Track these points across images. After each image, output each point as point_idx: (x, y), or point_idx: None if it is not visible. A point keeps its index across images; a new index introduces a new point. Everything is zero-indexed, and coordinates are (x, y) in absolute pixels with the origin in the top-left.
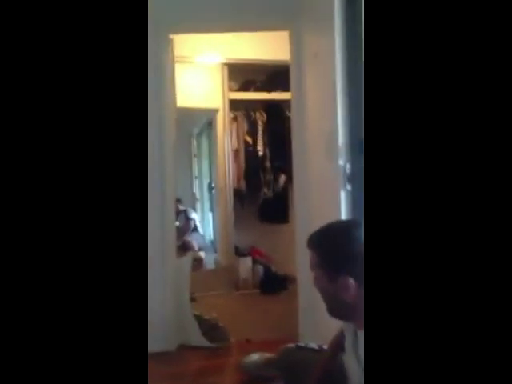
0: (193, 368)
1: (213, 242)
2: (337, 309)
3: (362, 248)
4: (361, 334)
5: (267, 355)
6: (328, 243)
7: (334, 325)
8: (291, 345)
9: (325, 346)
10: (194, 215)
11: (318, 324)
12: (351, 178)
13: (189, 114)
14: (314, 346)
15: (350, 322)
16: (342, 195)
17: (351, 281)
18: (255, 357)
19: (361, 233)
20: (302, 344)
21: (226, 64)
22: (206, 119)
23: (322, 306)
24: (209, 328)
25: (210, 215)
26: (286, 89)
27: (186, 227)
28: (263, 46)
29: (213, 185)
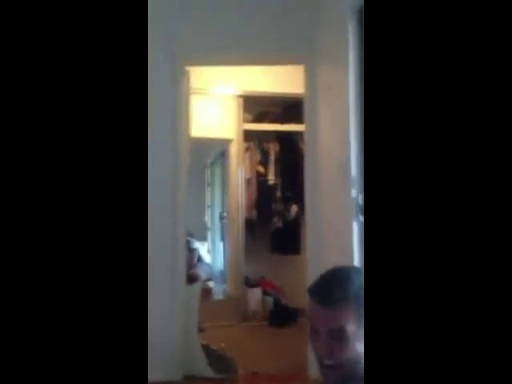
0: None
1: (222, 272)
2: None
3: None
4: None
5: None
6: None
7: None
8: None
9: None
10: (197, 245)
11: None
12: (364, 210)
13: (203, 144)
14: None
15: None
16: (355, 226)
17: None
18: None
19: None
20: None
21: (240, 96)
22: (220, 149)
23: None
24: (216, 359)
25: (220, 245)
26: (299, 121)
27: (190, 259)
28: (278, 79)
29: (224, 214)
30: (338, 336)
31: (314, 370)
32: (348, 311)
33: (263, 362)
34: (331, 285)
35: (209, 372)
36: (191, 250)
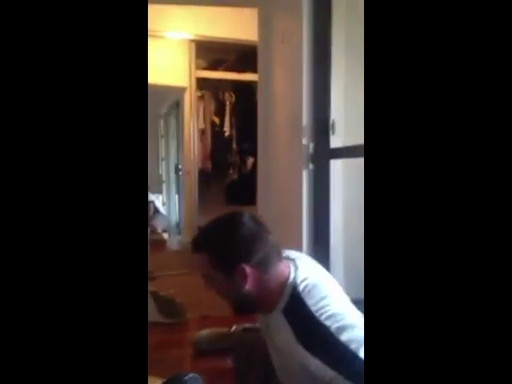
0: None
1: (178, 224)
2: (241, 304)
3: (248, 236)
4: (271, 319)
5: (219, 330)
6: (214, 242)
7: None
8: (248, 325)
9: None
10: (153, 197)
11: None
12: (314, 158)
13: (156, 93)
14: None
15: (259, 313)
16: (305, 175)
17: (248, 268)
18: (205, 332)
19: (244, 223)
20: (247, 325)
21: (193, 40)
22: (174, 98)
23: None
24: (165, 304)
25: (176, 197)
26: (256, 70)
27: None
28: (234, 25)
29: (180, 167)
30: (208, 280)
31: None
32: (209, 259)
33: (213, 306)
34: (200, 233)
35: (158, 317)
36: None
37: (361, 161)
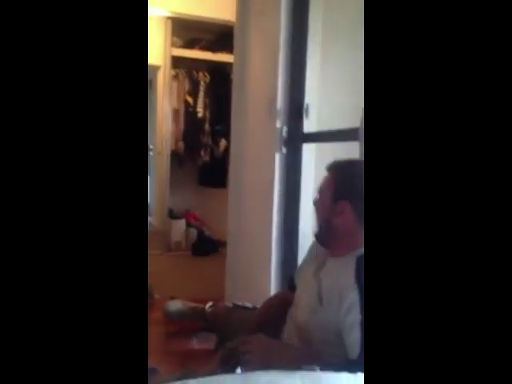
0: None
1: (148, 205)
2: (325, 231)
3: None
4: (333, 260)
5: (192, 304)
6: (347, 171)
7: (258, 288)
8: (229, 303)
9: (257, 306)
10: None
11: (242, 287)
12: (287, 142)
13: None
14: (249, 305)
15: (330, 248)
16: (277, 158)
17: (348, 205)
18: (179, 304)
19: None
20: (239, 303)
21: (169, 18)
22: (148, 77)
23: (247, 271)
24: None
25: (147, 178)
26: (232, 51)
27: None
28: (211, 4)
29: (151, 147)
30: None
31: (230, 298)
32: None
33: (181, 288)
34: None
35: None
36: None
37: (333, 145)
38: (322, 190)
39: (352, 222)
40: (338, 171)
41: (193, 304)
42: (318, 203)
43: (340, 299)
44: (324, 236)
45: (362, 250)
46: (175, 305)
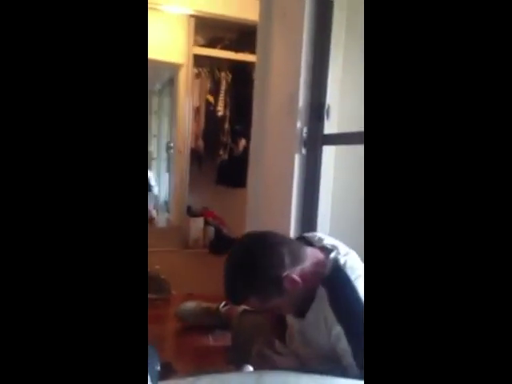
0: None
1: (167, 202)
2: (298, 306)
3: (278, 255)
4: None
5: (204, 304)
6: (249, 279)
7: None
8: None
9: None
10: (149, 174)
11: None
12: (307, 143)
13: (152, 68)
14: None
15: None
16: (297, 159)
17: (289, 276)
18: (192, 305)
19: (275, 240)
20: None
21: (193, 16)
22: (169, 75)
23: None
24: (150, 280)
25: (166, 176)
26: (254, 51)
27: None
28: (235, 2)
29: (171, 144)
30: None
31: None
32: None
33: (198, 284)
34: (230, 284)
35: None
36: None
37: (353, 148)
38: (268, 310)
39: (303, 274)
40: (246, 288)
41: (206, 304)
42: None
43: (327, 330)
44: (301, 306)
45: (323, 273)
46: (188, 306)
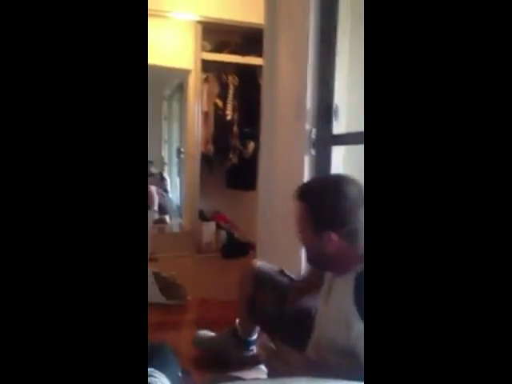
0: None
1: (178, 207)
2: (317, 259)
3: (348, 203)
4: (338, 281)
5: (211, 334)
6: (317, 196)
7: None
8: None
9: None
10: (166, 176)
11: None
12: (316, 144)
13: (160, 74)
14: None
15: (328, 271)
16: (306, 160)
17: (334, 236)
18: (203, 334)
19: (349, 189)
20: None
21: (199, 22)
22: (178, 81)
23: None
24: (166, 285)
25: (177, 180)
26: (260, 54)
27: (161, 187)
28: (240, 7)
29: (182, 149)
30: (300, 227)
31: None
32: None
33: (213, 289)
34: (308, 183)
35: (159, 298)
36: (163, 179)
37: (362, 148)
38: (300, 222)
39: (342, 247)
40: (313, 200)
41: (211, 334)
42: (300, 235)
43: (347, 328)
44: (319, 263)
45: (361, 266)
46: (201, 336)
